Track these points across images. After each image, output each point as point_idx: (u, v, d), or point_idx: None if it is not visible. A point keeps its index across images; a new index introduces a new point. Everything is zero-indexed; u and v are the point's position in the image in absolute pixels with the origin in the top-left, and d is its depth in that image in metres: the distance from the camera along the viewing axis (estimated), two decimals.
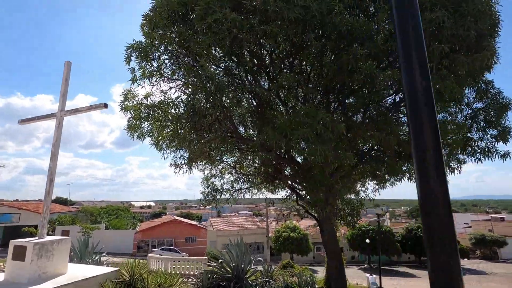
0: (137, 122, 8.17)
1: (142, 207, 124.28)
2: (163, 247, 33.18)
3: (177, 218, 47.77)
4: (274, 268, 15.31)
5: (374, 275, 18.90)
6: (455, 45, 5.63)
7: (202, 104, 5.72)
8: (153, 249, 32.54)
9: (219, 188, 10.94)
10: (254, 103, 7.63)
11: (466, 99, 8.38)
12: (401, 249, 38.16)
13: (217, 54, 7.26)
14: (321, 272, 31.12)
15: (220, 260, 7.36)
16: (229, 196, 10.45)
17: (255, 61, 6.96)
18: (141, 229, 40.25)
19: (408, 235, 40.11)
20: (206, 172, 11.38)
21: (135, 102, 8.15)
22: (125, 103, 8.19)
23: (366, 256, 39.26)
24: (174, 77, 7.78)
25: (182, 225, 41.18)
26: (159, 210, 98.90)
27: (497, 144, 7.80)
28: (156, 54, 7.32)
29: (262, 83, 7.38)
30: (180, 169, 9.98)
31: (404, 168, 7.90)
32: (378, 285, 12.81)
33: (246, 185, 10.66)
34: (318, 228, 36.48)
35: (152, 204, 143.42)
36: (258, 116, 6.80)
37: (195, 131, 7.00)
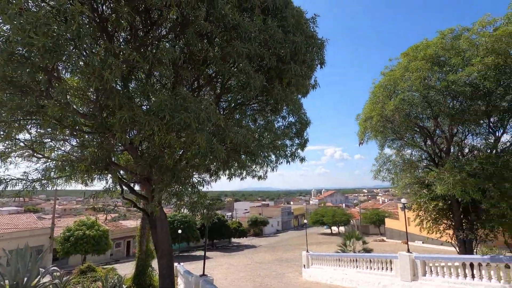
0: None
1: None
2: None
3: None
4: (69, 276, 12.39)
5: (182, 263, 19.76)
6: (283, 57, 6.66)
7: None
8: None
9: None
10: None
11: (283, 112, 10.67)
12: (200, 236, 42.39)
13: None
14: (120, 270, 28.61)
15: None
16: (23, 188, 7.34)
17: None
18: None
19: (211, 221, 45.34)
20: None
21: None
22: None
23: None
24: None
25: None
26: None
27: (299, 150, 10.57)
28: None
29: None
30: None
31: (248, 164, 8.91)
32: (192, 272, 13.50)
33: (54, 174, 7.90)
34: (121, 222, 33.26)
35: None
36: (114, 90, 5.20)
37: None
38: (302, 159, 10.17)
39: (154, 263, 12.60)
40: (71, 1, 3.78)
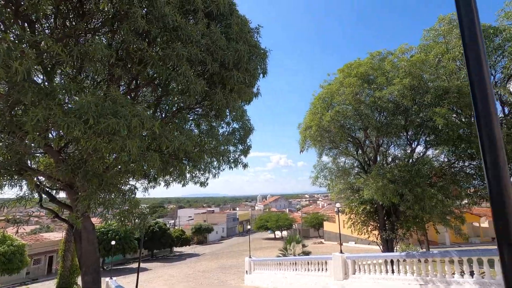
0: None
1: None
2: None
3: None
4: None
5: (115, 278, 18.08)
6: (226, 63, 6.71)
7: None
8: None
9: None
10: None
11: (227, 119, 10.69)
12: (138, 246, 39.45)
13: None
14: None
15: None
16: None
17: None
18: None
19: (146, 231, 42.49)
20: None
21: None
22: None
23: (102, 259, 36.53)
24: None
25: None
26: None
27: (241, 156, 10.65)
28: None
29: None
30: None
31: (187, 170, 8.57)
32: (121, 286, 12.44)
33: None
34: (42, 235, 29.44)
35: None
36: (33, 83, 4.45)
37: None
38: (245, 165, 10.25)
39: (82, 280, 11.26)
40: None
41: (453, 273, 9.31)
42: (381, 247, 14.56)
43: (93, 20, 6.28)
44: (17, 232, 35.90)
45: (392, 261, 11.39)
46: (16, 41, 4.16)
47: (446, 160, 13.32)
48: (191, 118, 9.52)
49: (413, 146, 13.68)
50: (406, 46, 13.03)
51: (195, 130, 9.53)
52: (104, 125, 3.56)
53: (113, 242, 28.51)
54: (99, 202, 5.22)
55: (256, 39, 7.56)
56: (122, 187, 7.65)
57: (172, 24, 4.88)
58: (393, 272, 11.15)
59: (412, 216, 12.26)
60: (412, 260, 10.60)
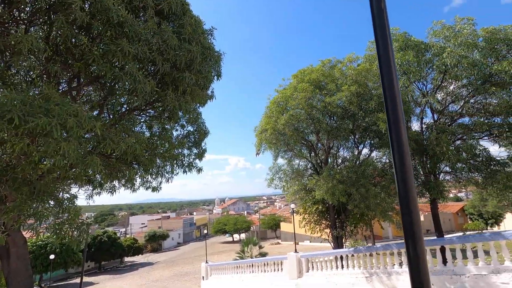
0: None
1: None
2: None
3: None
4: None
5: None
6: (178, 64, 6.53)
7: None
8: None
9: None
10: None
11: (181, 121, 10.38)
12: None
13: None
14: None
15: None
16: None
17: None
18: None
19: (92, 242, 39.13)
20: None
21: None
22: None
23: (39, 276, 32.68)
24: None
25: None
26: None
27: (196, 160, 10.40)
28: None
29: None
30: None
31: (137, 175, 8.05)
32: None
33: None
34: None
35: None
36: None
37: None
38: (199, 170, 10.03)
39: None
40: None
41: (393, 264, 10.20)
42: (332, 244, 15.37)
43: (25, 10, 5.63)
44: None
45: (342, 257, 12.08)
46: None
47: (387, 161, 14.60)
48: (142, 120, 9.04)
49: (359, 148, 14.76)
50: (353, 55, 14.05)
51: (147, 133, 9.08)
52: (32, 125, 3.16)
53: (51, 256, 25.68)
54: (29, 214, 4.64)
55: (210, 41, 7.48)
56: (60, 195, 6.94)
57: (117, 19, 4.57)
58: (342, 267, 11.83)
59: (359, 214, 13.18)
60: (359, 255, 11.37)
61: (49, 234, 5.36)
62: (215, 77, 7.90)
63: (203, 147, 10.13)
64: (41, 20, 5.73)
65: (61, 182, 6.71)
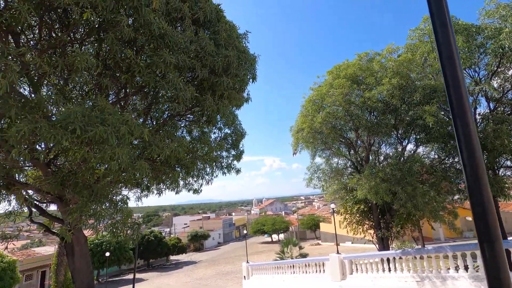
0: None
1: None
2: None
3: None
4: None
5: None
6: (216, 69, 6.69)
7: None
8: None
9: None
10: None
11: (218, 124, 10.66)
12: (133, 257, 38.79)
13: None
14: None
15: None
16: None
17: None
18: None
19: (141, 241, 41.84)
20: None
21: None
22: None
23: (97, 271, 35.81)
24: None
25: None
26: None
27: (234, 162, 10.61)
28: None
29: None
30: None
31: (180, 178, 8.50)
32: None
33: None
34: (34, 250, 28.75)
35: None
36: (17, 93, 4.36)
37: None
38: (238, 171, 10.22)
39: None
40: None
41: (448, 268, 9.42)
42: (377, 245, 14.64)
43: (79, 30, 6.24)
44: (6, 248, 34.95)
45: (388, 259, 11.46)
46: None
47: (436, 157, 13.52)
48: (182, 125, 9.47)
49: (403, 144, 13.87)
50: (393, 46, 13.27)
51: (187, 137, 9.48)
52: (91, 133, 3.51)
53: (107, 254, 27.99)
54: (90, 214, 5.13)
55: (244, 45, 7.60)
56: (114, 198, 7.55)
57: (158, 32, 4.87)
58: (389, 270, 11.21)
59: (406, 214, 12.39)
60: (408, 257, 10.69)
61: (106, 232, 5.86)
62: (251, 80, 8.00)
63: (241, 149, 10.31)
64: (92, 38, 6.31)
65: (114, 186, 7.30)
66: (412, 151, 13.64)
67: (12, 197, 7.30)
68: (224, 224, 72.78)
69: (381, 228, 13.58)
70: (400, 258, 10.91)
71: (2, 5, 4.97)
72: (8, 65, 3.25)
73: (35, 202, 7.66)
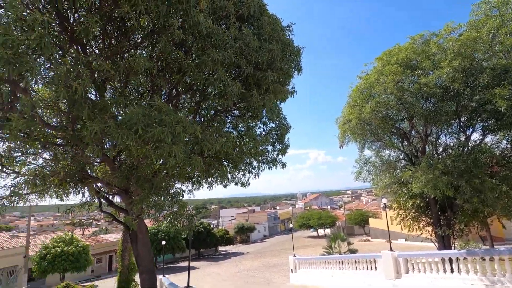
0: None
1: None
2: None
3: None
4: None
5: (167, 276, 19.26)
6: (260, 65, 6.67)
7: None
8: None
9: None
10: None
11: (263, 118, 10.72)
12: (185, 246, 41.45)
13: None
14: (102, 286, 27.46)
15: None
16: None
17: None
18: None
19: (192, 232, 44.43)
20: None
21: None
22: None
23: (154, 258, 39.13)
24: None
25: None
26: None
27: (279, 156, 10.62)
28: None
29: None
30: None
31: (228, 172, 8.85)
32: (177, 284, 13.14)
33: (25, 190, 7.52)
34: (102, 236, 32.22)
35: None
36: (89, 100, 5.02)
37: None
38: (283, 165, 10.22)
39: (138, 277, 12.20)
40: (33, 10, 3.66)
41: None
42: (436, 244, 13.50)
43: (135, 36, 6.77)
44: (83, 234, 40.06)
45: (450, 260, 10.50)
46: (73, 63, 4.64)
47: (509, 146, 11.88)
48: (228, 121, 9.75)
49: (467, 133, 12.45)
50: (453, 24, 11.89)
51: (234, 132, 9.75)
52: (150, 134, 3.82)
53: (163, 242, 30.33)
54: (151, 205, 5.61)
55: (288, 37, 7.49)
56: (170, 190, 8.13)
57: (205, 31, 5.05)
58: (452, 271, 10.27)
59: (471, 210, 11.17)
60: (474, 258, 9.68)
61: (165, 222, 6.35)
62: (296, 72, 7.88)
63: (286, 142, 10.27)
64: (145, 43, 6.80)
65: (169, 179, 7.84)
66: (478, 141, 12.18)
67: (85, 189, 8.32)
68: (269, 217, 73.67)
69: (441, 225, 12.46)
70: (465, 258, 9.92)
71: (72, 18, 5.62)
72: (81, 72, 3.68)
73: (104, 194, 8.60)
